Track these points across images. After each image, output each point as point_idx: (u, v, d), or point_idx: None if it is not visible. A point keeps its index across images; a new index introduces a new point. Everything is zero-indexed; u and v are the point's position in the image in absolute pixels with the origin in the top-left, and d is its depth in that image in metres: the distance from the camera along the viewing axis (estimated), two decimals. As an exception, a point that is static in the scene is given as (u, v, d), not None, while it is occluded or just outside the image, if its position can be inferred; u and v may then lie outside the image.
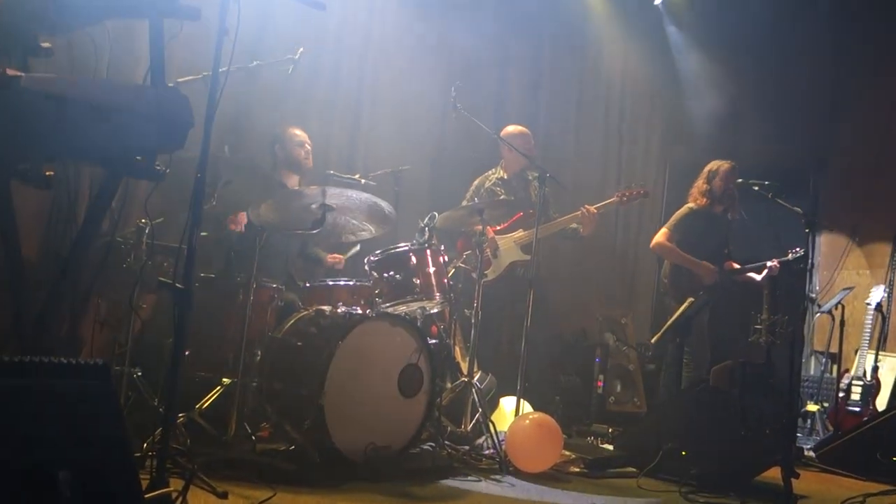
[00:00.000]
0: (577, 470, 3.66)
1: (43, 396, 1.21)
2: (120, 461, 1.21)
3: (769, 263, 4.64)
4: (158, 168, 2.07)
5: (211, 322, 3.45)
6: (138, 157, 2.04)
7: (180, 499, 1.92)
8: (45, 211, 3.35)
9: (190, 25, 2.24)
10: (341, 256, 4.47)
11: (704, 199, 4.88)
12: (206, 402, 3.30)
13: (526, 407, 4.07)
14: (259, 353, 3.44)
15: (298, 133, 4.32)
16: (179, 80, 3.35)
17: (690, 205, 4.95)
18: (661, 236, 4.92)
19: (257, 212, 3.42)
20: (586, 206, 4.72)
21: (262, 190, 3.44)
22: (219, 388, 3.33)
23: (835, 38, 6.57)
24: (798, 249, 4.58)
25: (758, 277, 4.66)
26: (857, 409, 4.90)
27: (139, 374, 3.22)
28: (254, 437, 3.28)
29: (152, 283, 3.09)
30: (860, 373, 5.00)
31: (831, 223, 5.96)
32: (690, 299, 4.45)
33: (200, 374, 3.38)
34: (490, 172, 4.97)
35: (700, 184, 4.95)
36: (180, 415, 3.11)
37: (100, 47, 2.41)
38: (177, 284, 2.09)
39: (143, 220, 3.13)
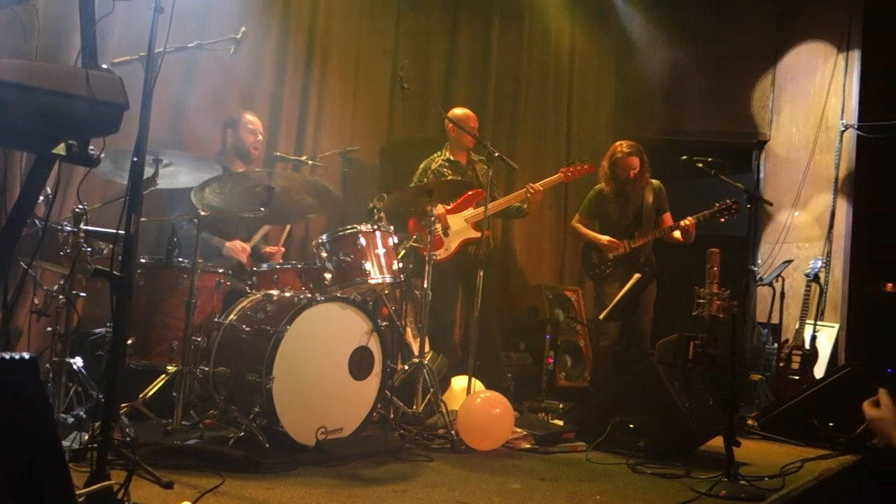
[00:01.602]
0: (528, 446, 3.71)
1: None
2: (49, 458, 1.17)
3: (682, 223, 4.81)
4: (92, 152, 2.00)
5: (155, 309, 3.38)
6: (71, 142, 1.97)
7: (122, 491, 1.88)
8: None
9: (124, 4, 2.16)
10: (277, 248, 4.41)
11: (605, 180, 5.15)
12: (151, 390, 3.24)
13: (477, 386, 4.10)
14: (205, 339, 3.39)
15: (252, 120, 4.25)
16: (115, 60, 3.24)
17: (596, 186, 5.25)
18: (574, 219, 5.34)
19: (201, 194, 3.35)
20: (530, 184, 4.78)
21: (204, 172, 3.36)
22: (164, 376, 3.27)
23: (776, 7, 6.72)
24: (717, 204, 4.74)
25: (678, 235, 4.86)
26: (797, 377, 5.07)
27: (80, 364, 3.13)
28: (201, 426, 3.24)
29: (90, 270, 3.01)
30: (799, 342, 5.17)
31: (773, 198, 6.12)
32: (637, 275, 4.53)
33: (144, 363, 3.31)
34: (436, 154, 4.97)
35: (603, 165, 5.17)
36: (123, 405, 3.04)
37: (29, 28, 2.31)
38: (114, 272, 2.04)
39: (80, 206, 3.03)
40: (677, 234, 4.88)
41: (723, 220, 4.72)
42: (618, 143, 5.14)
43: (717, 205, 4.76)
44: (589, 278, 5.33)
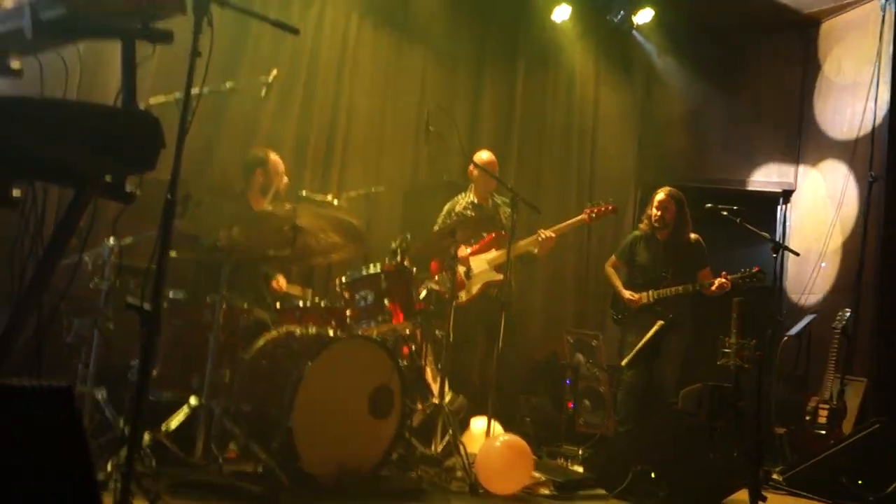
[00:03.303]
0: (547, 492, 3.67)
1: (3, 421, 1.20)
2: (82, 488, 1.19)
3: (720, 281, 4.76)
4: (129, 190, 2.06)
5: (179, 342, 3.42)
6: (108, 179, 2.03)
7: (144, 523, 1.90)
8: (11, 231, 3.31)
9: (162, 47, 2.24)
10: (284, 286, 4.45)
11: (643, 224, 5.16)
12: (173, 423, 3.26)
13: (496, 428, 4.07)
14: (228, 373, 3.41)
15: (279, 162, 4.31)
16: (151, 101, 3.35)
17: (635, 231, 5.26)
18: (609, 261, 5.32)
19: (228, 234, 3.41)
20: (541, 231, 4.81)
21: (232, 211, 3.43)
22: (186, 408, 3.29)
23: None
24: (749, 269, 4.74)
25: (714, 289, 4.81)
26: (823, 432, 4.96)
27: (104, 395, 3.17)
28: (221, 460, 3.24)
29: (119, 303, 3.06)
30: (826, 396, 5.07)
31: (799, 248, 6.06)
32: (660, 322, 4.50)
33: (167, 395, 3.34)
34: (460, 197, 5.02)
35: (646, 209, 5.18)
36: (146, 436, 3.06)
37: (71, 68, 2.40)
38: (144, 306, 2.08)
39: (112, 241, 3.10)
40: (713, 287, 4.82)
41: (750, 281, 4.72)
42: (661, 188, 5.15)
43: (743, 271, 4.77)
44: (614, 323, 5.31)
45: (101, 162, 1.98)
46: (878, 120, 6.07)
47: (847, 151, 6.30)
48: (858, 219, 6.09)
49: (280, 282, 4.39)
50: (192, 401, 3.29)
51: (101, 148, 1.93)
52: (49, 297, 2.72)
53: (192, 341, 3.42)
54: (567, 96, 6.74)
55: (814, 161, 6.65)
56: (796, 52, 6.81)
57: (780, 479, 4.44)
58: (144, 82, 4.04)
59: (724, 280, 4.77)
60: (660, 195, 5.07)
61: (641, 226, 5.18)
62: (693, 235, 5.09)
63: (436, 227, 4.85)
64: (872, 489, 4.04)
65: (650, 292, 4.98)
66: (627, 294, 5.05)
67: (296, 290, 4.47)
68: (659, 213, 5.02)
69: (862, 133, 6.16)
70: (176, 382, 3.38)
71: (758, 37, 6.93)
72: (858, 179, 6.18)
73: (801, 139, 6.76)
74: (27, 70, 2.07)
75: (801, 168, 6.74)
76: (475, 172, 4.92)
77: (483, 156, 4.98)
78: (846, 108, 6.41)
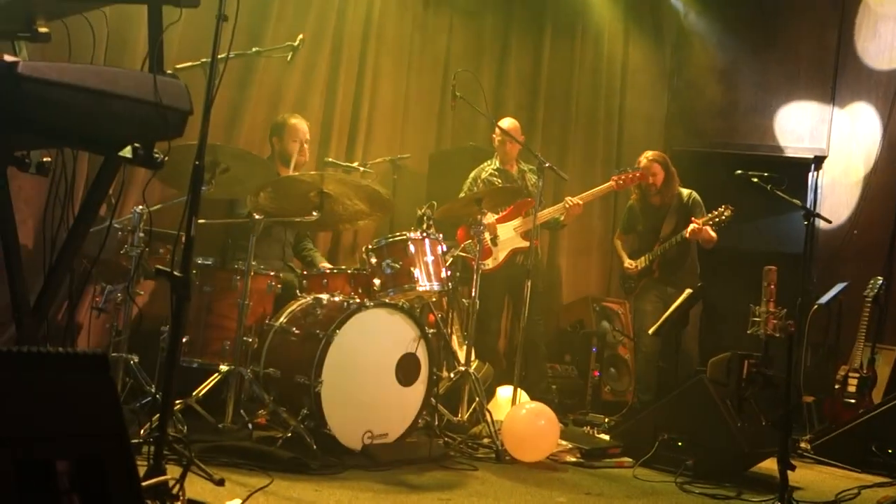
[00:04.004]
0: (573, 459, 3.67)
1: (40, 387, 1.21)
2: (118, 451, 1.21)
3: (690, 227, 4.73)
4: (157, 156, 2.05)
5: (208, 309, 3.44)
6: (136, 145, 2.02)
7: (178, 486, 1.92)
8: (42, 197, 3.34)
9: (189, 11, 2.22)
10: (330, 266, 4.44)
11: (634, 195, 5.17)
12: (204, 389, 3.30)
13: (523, 396, 4.08)
14: (256, 340, 3.44)
15: (298, 126, 4.22)
16: (178, 66, 3.33)
17: (629, 202, 5.26)
18: (615, 235, 5.40)
19: (255, 199, 3.41)
20: (568, 198, 4.77)
21: (259, 177, 3.42)
22: (216, 375, 3.33)
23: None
24: (721, 209, 4.72)
25: (687, 235, 4.77)
26: (853, 401, 4.91)
27: (136, 360, 3.21)
28: (250, 425, 3.29)
29: (150, 270, 3.09)
30: (856, 365, 5.01)
31: (830, 216, 5.95)
32: (688, 290, 4.46)
33: (198, 361, 3.37)
34: (486, 164, 4.98)
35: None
36: (177, 402, 3.11)
37: (98, 34, 2.38)
38: (174, 272, 2.09)
39: (141, 207, 3.12)
40: (697, 235, 4.75)
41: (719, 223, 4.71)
42: (643, 153, 5.13)
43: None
44: (625, 293, 5.37)
45: (130, 128, 1.97)
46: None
47: (883, 112, 6.14)
48: (892, 185, 5.97)
49: (326, 265, 4.38)
50: (222, 367, 3.33)
51: (129, 114, 1.93)
52: (80, 264, 2.75)
53: (221, 307, 3.44)
54: (595, 59, 6.61)
55: (847, 126, 6.49)
56: (831, 11, 6.60)
57: (808, 447, 4.41)
58: (171, 48, 4.02)
59: (695, 224, 4.73)
60: (643, 161, 5.02)
61: (633, 196, 5.16)
62: (686, 191, 5.05)
63: (461, 195, 4.82)
64: (902, 459, 3.99)
65: (644, 257, 5.01)
66: (626, 262, 5.10)
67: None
68: (649, 181, 4.98)
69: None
70: (206, 349, 3.42)
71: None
72: (892, 146, 6.04)
73: (834, 103, 6.60)
74: (54, 35, 2.05)
75: (834, 133, 6.58)
76: (498, 139, 4.87)
77: (505, 123, 4.91)
78: (881, 73, 6.24)
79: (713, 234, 4.79)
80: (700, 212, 4.98)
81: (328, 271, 3.85)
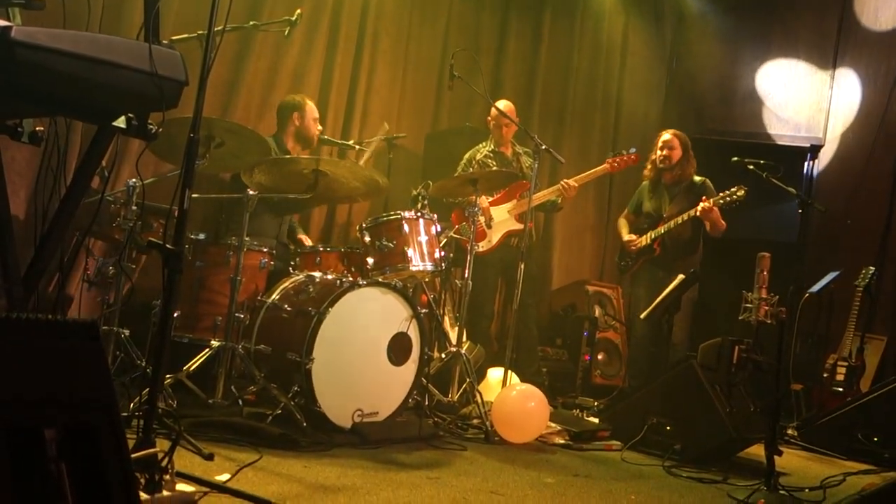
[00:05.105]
0: (562, 441, 3.69)
1: (30, 354, 1.20)
2: (107, 421, 1.20)
3: (701, 205, 4.67)
4: (151, 127, 2.03)
5: (201, 284, 3.43)
6: (130, 115, 2.00)
7: (167, 459, 1.92)
8: (34, 168, 3.31)
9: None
10: (309, 242, 4.44)
11: (646, 170, 5.10)
12: (194, 364, 3.29)
13: (513, 378, 4.09)
14: (248, 316, 3.43)
15: (314, 108, 4.27)
16: (174, 38, 3.29)
17: (643, 182, 5.18)
18: (621, 214, 5.28)
19: (250, 175, 3.39)
20: (565, 180, 4.75)
21: (254, 153, 3.40)
22: (207, 350, 3.33)
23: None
24: (734, 189, 4.63)
25: (696, 213, 4.72)
26: (841, 389, 4.95)
27: (127, 334, 3.21)
28: (240, 401, 3.29)
29: (142, 243, 3.07)
30: (845, 353, 5.05)
31: (824, 204, 5.96)
32: (681, 276, 4.47)
33: (189, 336, 3.37)
34: (481, 145, 4.95)
35: (650, 155, 5.10)
36: (168, 376, 3.10)
37: (93, 3, 2.35)
38: (167, 245, 2.07)
39: (135, 180, 3.09)
40: (706, 214, 4.67)
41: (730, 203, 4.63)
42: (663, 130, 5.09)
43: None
44: (620, 272, 5.32)
45: (124, 98, 1.95)
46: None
47: (878, 106, 6.14)
48: (887, 176, 5.97)
49: (304, 239, 4.39)
50: (214, 342, 3.32)
51: (123, 84, 1.90)
52: (72, 236, 2.74)
53: (214, 283, 3.43)
54: (594, 42, 6.57)
55: (844, 115, 6.48)
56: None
57: (795, 434, 4.45)
58: (167, 20, 3.98)
59: (706, 203, 4.65)
60: (665, 135, 5.00)
61: (645, 172, 5.11)
62: (699, 178, 4.99)
63: (456, 175, 4.80)
64: (888, 446, 4.03)
65: (647, 235, 4.95)
66: (625, 236, 5.03)
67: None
68: (664, 153, 4.93)
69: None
70: (197, 324, 3.41)
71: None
72: (889, 135, 6.04)
73: (832, 92, 6.58)
74: (49, 3, 2.03)
75: (832, 122, 6.58)
76: (493, 121, 4.84)
77: (500, 104, 4.88)
78: (879, 62, 6.23)
79: (722, 221, 4.72)
80: (711, 195, 4.88)
81: (320, 249, 3.84)
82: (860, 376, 4.97)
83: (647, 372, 4.90)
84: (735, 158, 4.41)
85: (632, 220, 5.21)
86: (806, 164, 6.71)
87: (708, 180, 4.99)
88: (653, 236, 4.92)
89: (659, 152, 4.97)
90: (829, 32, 6.59)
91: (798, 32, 6.68)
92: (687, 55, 6.89)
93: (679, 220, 4.80)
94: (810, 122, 6.66)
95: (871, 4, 6.38)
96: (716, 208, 4.66)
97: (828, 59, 6.60)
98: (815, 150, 6.67)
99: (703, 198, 4.72)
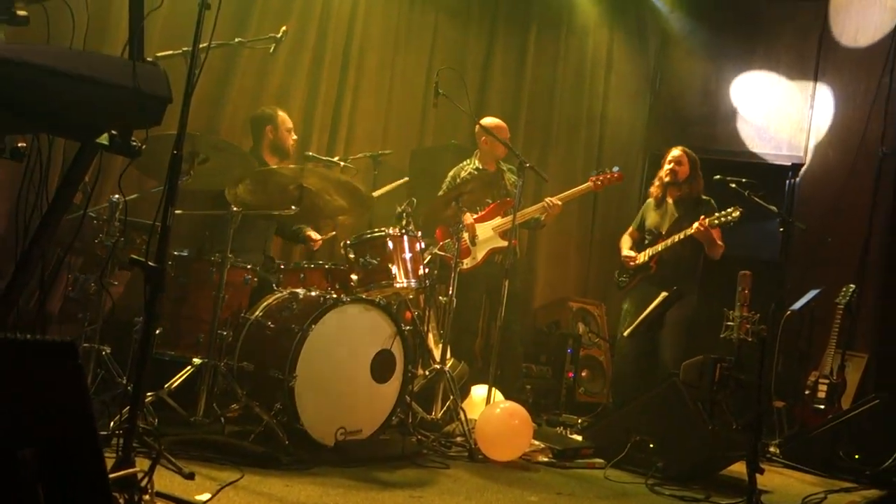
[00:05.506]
0: (546, 459, 3.69)
1: (7, 375, 1.19)
2: (85, 441, 1.19)
3: (695, 225, 4.57)
4: (134, 144, 2.03)
5: (183, 301, 3.41)
6: (114, 132, 1.99)
7: (146, 479, 1.90)
8: (16, 183, 3.28)
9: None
10: (319, 237, 4.42)
11: (653, 187, 5.03)
12: (176, 381, 3.27)
13: (497, 396, 4.09)
14: (231, 333, 3.41)
15: (286, 117, 4.25)
16: (159, 54, 3.29)
17: (649, 199, 5.10)
18: (626, 231, 5.16)
19: (234, 191, 3.38)
20: (548, 198, 4.77)
21: (238, 169, 3.39)
22: (189, 367, 3.30)
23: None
24: (729, 210, 4.55)
25: (690, 232, 4.61)
26: (822, 406, 4.98)
27: (108, 351, 3.18)
28: (222, 419, 3.26)
29: (124, 259, 3.05)
30: (826, 371, 5.08)
31: (805, 222, 6.02)
32: (664, 294, 4.49)
33: (171, 354, 3.34)
34: (465, 163, 4.97)
35: (658, 172, 5.04)
36: (149, 394, 3.08)
37: (77, 19, 2.35)
38: (149, 262, 2.06)
39: (117, 196, 3.08)
40: (701, 234, 4.56)
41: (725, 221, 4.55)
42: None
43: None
44: (618, 288, 5.16)
45: (107, 115, 1.94)
46: (894, 95, 6.00)
47: (859, 126, 6.23)
48: (867, 194, 6.05)
49: (312, 234, 4.36)
50: (196, 360, 3.30)
51: (107, 100, 1.90)
52: (53, 252, 2.71)
53: (196, 300, 3.41)
54: (578, 61, 6.64)
55: (825, 134, 6.57)
56: (813, 17, 6.69)
57: (777, 451, 4.47)
58: (152, 36, 3.99)
59: (699, 223, 4.53)
60: (675, 151, 4.92)
61: (652, 189, 5.02)
62: (705, 197, 4.88)
63: (440, 194, 4.81)
64: (869, 464, 4.05)
65: (647, 251, 4.84)
66: (625, 252, 4.94)
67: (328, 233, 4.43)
68: (671, 166, 4.85)
69: (876, 108, 6.09)
70: (180, 341, 3.38)
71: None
72: (869, 154, 6.12)
73: (813, 111, 6.67)
74: (33, 19, 2.02)
75: (812, 140, 6.66)
76: (482, 137, 4.85)
77: (489, 121, 4.91)
78: (859, 82, 6.33)
79: (720, 242, 4.63)
80: (709, 215, 4.74)
81: (304, 266, 3.84)
82: (841, 394, 5.00)
83: (630, 389, 4.89)
84: (717, 176, 4.45)
85: (635, 237, 5.10)
86: (787, 181, 6.79)
87: (712, 200, 4.86)
88: (650, 254, 4.81)
89: (666, 167, 4.90)
90: (809, 51, 6.69)
91: (779, 51, 6.79)
92: (670, 73, 6.97)
93: (675, 238, 4.70)
94: (791, 139, 6.75)
95: (851, 24, 6.49)
96: (711, 229, 4.55)
97: (808, 77, 6.70)
98: (796, 167, 6.75)
99: (702, 217, 4.63)
